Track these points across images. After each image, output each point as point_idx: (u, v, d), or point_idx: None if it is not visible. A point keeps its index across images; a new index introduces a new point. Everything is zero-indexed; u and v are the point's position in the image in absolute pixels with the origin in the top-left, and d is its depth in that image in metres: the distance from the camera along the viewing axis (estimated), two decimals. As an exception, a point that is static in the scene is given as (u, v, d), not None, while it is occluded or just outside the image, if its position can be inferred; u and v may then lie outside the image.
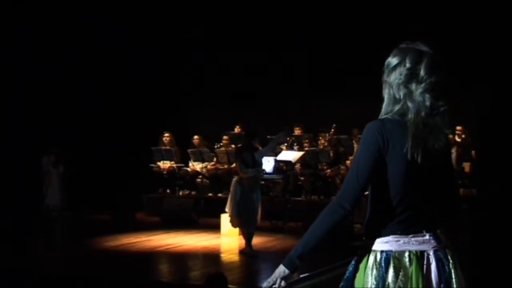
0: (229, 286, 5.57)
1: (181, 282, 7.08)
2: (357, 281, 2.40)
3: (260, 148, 11.83)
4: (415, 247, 2.29)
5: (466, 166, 11.36)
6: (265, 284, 2.45)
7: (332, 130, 12.31)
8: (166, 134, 12.67)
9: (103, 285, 6.89)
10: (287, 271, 2.44)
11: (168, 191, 12.75)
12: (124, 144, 12.97)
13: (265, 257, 8.75)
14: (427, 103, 2.32)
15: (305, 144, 12.24)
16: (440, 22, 12.03)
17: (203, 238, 9.74)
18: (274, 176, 11.61)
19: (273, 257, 8.71)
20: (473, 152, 11.46)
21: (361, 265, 2.41)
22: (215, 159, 12.73)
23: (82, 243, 9.26)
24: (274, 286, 2.42)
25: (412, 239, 2.30)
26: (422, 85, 2.34)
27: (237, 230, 10.02)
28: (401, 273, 2.26)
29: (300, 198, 11.71)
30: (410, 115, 2.32)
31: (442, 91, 2.37)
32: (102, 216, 11.53)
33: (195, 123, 14.12)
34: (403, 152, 2.27)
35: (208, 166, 12.67)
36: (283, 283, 2.42)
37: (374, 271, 2.32)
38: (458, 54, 11.91)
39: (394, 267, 2.27)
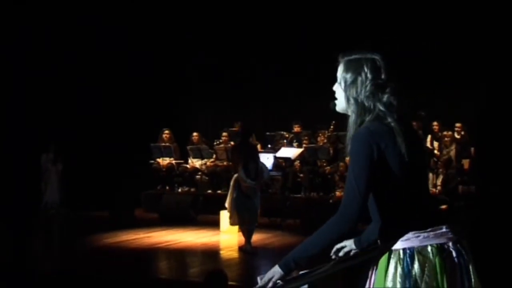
0: (229, 282, 5.58)
1: (180, 279, 7.08)
2: (377, 282, 2.41)
3: (258, 145, 11.88)
4: (435, 241, 2.33)
5: (465, 163, 11.37)
6: (259, 283, 2.50)
7: (331, 127, 12.32)
8: (165, 131, 12.67)
9: (102, 282, 6.90)
10: (281, 273, 2.47)
11: (167, 188, 12.76)
12: (122, 141, 12.97)
13: (264, 254, 8.76)
14: (395, 104, 2.42)
15: (304, 141, 12.24)
16: (440, 22, 12.05)
17: (202, 235, 9.75)
18: (273, 173, 11.62)
19: (272, 254, 8.72)
20: (472, 149, 11.47)
21: (380, 267, 2.42)
22: (214, 156, 12.73)
23: (81, 240, 9.26)
24: (268, 286, 2.47)
25: (431, 233, 2.34)
26: (387, 89, 2.44)
27: (236, 226, 10.04)
28: (426, 267, 2.30)
29: (299, 195, 11.72)
30: (388, 119, 2.39)
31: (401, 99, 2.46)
32: (101, 213, 11.53)
33: (194, 120, 14.13)
34: (396, 152, 2.33)
35: (207, 163, 12.67)
36: (278, 283, 2.45)
37: (399, 269, 2.34)
38: (457, 54, 11.97)
39: (419, 262, 2.31)
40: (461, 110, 11.97)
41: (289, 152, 11.83)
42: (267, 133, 13.03)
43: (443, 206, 8.62)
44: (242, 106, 14.27)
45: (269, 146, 12.53)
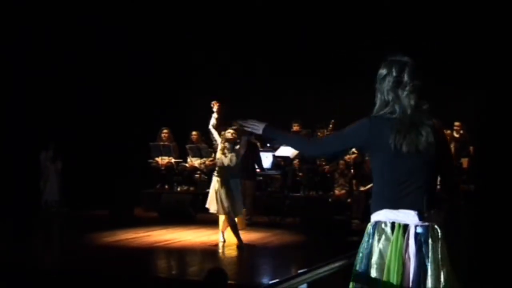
0: (228, 281, 5.59)
1: (180, 278, 7.09)
2: (360, 247, 2.89)
3: (258, 144, 11.89)
4: (400, 220, 2.77)
5: (464, 162, 11.38)
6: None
7: (330, 126, 12.32)
8: (164, 130, 12.68)
9: (101, 280, 6.90)
10: (260, 131, 3.14)
11: (166, 186, 12.76)
12: (122, 140, 12.98)
13: (263, 252, 8.77)
14: (412, 103, 2.86)
15: (303, 140, 12.24)
16: (440, 21, 12.07)
17: (201, 234, 9.75)
18: (272, 172, 11.63)
19: (271, 252, 8.74)
20: (471, 148, 11.48)
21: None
22: (213, 155, 12.72)
23: (80, 239, 9.26)
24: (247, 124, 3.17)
25: (399, 213, 2.77)
26: (407, 88, 2.88)
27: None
28: (383, 237, 2.77)
29: (298, 194, 11.73)
30: (397, 114, 2.85)
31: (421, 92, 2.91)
32: (100, 212, 11.53)
33: (193, 119, 14.13)
34: (389, 143, 2.78)
35: (206, 162, 12.67)
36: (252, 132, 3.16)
37: (366, 236, 2.86)
38: (457, 53, 11.98)
39: (379, 233, 2.79)
40: (460, 109, 11.97)
41: (288, 151, 11.84)
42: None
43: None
44: (241, 105, 14.26)
45: (268, 145, 12.53)
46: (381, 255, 2.76)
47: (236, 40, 13.72)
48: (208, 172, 12.65)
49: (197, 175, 12.80)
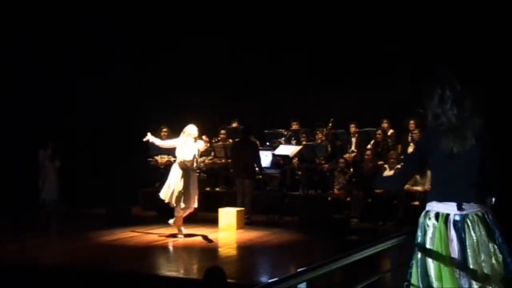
0: (227, 280, 5.57)
1: (178, 276, 7.08)
2: (418, 230, 3.50)
3: (258, 143, 11.88)
4: (443, 210, 3.40)
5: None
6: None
7: (329, 124, 12.31)
8: (164, 129, 12.65)
9: (99, 279, 6.89)
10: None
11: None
12: (121, 138, 12.97)
13: (262, 251, 8.77)
14: (455, 112, 3.41)
15: (302, 139, 12.24)
16: (440, 20, 12.06)
17: (200, 233, 9.74)
18: (271, 171, 11.62)
19: (270, 251, 8.73)
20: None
21: None
22: (212, 154, 12.72)
23: (78, 237, 9.25)
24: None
25: (443, 205, 3.40)
26: (449, 102, 3.43)
27: (234, 224, 10.05)
28: (431, 224, 3.42)
29: (297, 193, 11.71)
30: (445, 125, 3.42)
31: (465, 103, 3.43)
32: (99, 211, 11.52)
33: (192, 118, 14.10)
34: (440, 147, 3.38)
35: (205, 161, 12.65)
36: None
37: (421, 219, 3.50)
38: (457, 52, 11.96)
39: (428, 220, 3.44)
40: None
41: (287, 149, 11.83)
42: (266, 130, 13.02)
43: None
44: (241, 104, 14.26)
45: (267, 143, 12.52)
46: (431, 238, 3.40)
47: (236, 40, 13.70)
48: (207, 171, 12.64)
49: (196, 174, 12.76)
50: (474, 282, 3.25)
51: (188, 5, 13.63)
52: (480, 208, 3.35)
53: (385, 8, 12.51)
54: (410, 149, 11.26)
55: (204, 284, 5.43)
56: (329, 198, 11.13)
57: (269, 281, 2.61)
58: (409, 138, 11.48)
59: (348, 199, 10.92)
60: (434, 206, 3.44)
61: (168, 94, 13.57)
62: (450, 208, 3.36)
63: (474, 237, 3.31)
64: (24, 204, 11.16)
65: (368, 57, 12.85)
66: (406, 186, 10.63)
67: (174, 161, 12.71)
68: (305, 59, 13.24)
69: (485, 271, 3.25)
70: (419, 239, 3.45)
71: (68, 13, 12.80)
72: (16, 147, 12.36)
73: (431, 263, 3.36)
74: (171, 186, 9.15)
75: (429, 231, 3.40)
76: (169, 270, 7.43)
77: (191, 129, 9.36)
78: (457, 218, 3.34)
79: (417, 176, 10.54)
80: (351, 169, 11.41)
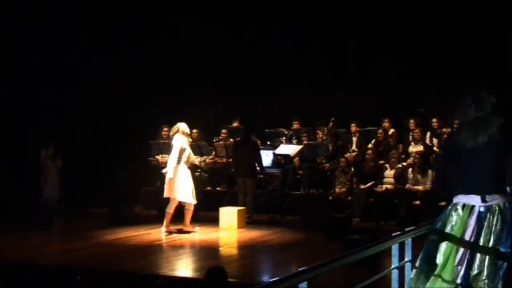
0: (229, 279, 5.59)
1: (180, 276, 7.09)
2: (441, 216, 3.88)
3: (258, 142, 11.89)
4: (468, 202, 3.75)
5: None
6: None
7: (330, 123, 12.31)
8: (165, 128, 12.65)
9: (101, 278, 6.90)
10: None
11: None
12: (122, 137, 12.98)
13: (263, 250, 8.78)
14: (478, 114, 3.84)
15: (303, 138, 12.23)
16: (440, 20, 12.06)
17: (201, 232, 9.76)
18: (272, 170, 11.62)
19: (272, 251, 8.74)
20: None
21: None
22: (213, 153, 12.72)
23: (80, 236, 9.26)
24: None
25: (469, 198, 3.76)
26: (471, 104, 3.89)
27: (235, 224, 10.06)
28: (456, 214, 3.78)
29: (298, 192, 11.71)
30: (467, 125, 3.87)
31: (484, 105, 3.87)
32: (100, 210, 11.52)
33: (193, 117, 14.12)
34: (463, 144, 3.78)
35: (207, 160, 12.66)
36: None
37: (447, 210, 3.85)
38: (457, 51, 11.97)
39: (454, 211, 3.80)
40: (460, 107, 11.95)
41: (288, 149, 11.83)
42: (267, 130, 13.03)
43: (443, 203, 8.63)
44: (241, 103, 14.27)
45: (268, 143, 12.52)
46: (452, 224, 3.77)
47: (236, 40, 13.71)
48: (208, 170, 12.65)
49: (197, 173, 12.76)
50: (472, 278, 3.61)
51: (187, 5, 13.62)
52: (501, 198, 3.72)
53: (385, 8, 12.51)
54: (411, 149, 11.29)
55: (206, 284, 5.44)
56: (330, 198, 11.13)
57: (270, 280, 2.62)
58: (410, 138, 11.48)
59: (350, 198, 10.92)
60: (460, 199, 3.80)
61: (168, 94, 13.58)
62: (475, 200, 3.73)
63: (492, 225, 3.69)
64: (26, 203, 11.16)
65: (368, 57, 12.86)
66: (407, 186, 10.67)
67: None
68: (306, 58, 13.24)
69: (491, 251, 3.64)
70: (438, 225, 3.81)
71: (68, 12, 12.81)
72: (18, 147, 12.38)
73: (442, 249, 3.73)
74: (192, 186, 9.58)
75: (453, 219, 3.77)
76: (171, 269, 7.44)
77: (185, 127, 9.58)
78: (482, 209, 3.72)
79: (418, 176, 10.55)
80: (352, 169, 11.41)
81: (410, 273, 4.04)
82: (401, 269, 3.90)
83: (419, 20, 12.23)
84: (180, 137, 9.60)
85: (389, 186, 10.66)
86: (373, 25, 12.65)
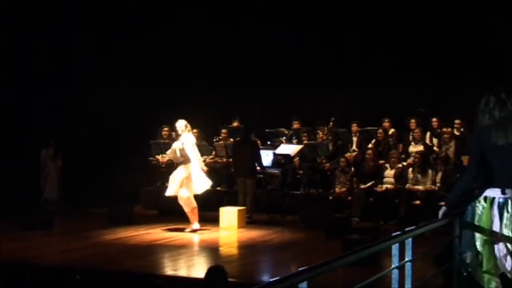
0: (229, 279, 5.59)
1: (180, 276, 7.09)
2: (467, 213, 4.33)
3: (259, 142, 11.89)
4: (491, 195, 4.20)
5: (465, 159, 11.35)
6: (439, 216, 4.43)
7: (331, 123, 12.31)
8: (165, 128, 12.66)
9: (101, 278, 6.90)
10: (445, 208, 4.43)
11: (166, 184, 12.70)
12: (122, 137, 12.97)
13: (263, 249, 8.78)
14: (501, 114, 4.20)
15: (303, 138, 12.24)
16: (440, 19, 12.06)
17: (201, 232, 9.75)
18: (272, 170, 11.62)
19: (271, 250, 8.74)
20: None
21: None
22: (213, 153, 12.72)
23: (80, 236, 9.26)
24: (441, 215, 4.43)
25: (491, 191, 4.19)
26: (493, 103, 4.24)
27: (235, 223, 10.06)
28: (481, 206, 4.23)
29: (298, 192, 11.71)
30: (489, 122, 4.21)
31: (507, 105, 4.22)
32: (100, 210, 11.53)
33: (193, 117, 14.12)
34: (487, 141, 4.13)
35: (207, 160, 12.65)
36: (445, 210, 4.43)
37: (474, 204, 4.28)
38: (457, 51, 11.98)
39: (479, 202, 4.22)
40: (461, 106, 11.96)
41: (289, 148, 11.83)
42: (267, 130, 13.04)
43: (442, 203, 8.62)
44: (241, 103, 14.28)
45: (268, 142, 12.52)
46: (480, 216, 4.21)
47: (236, 40, 13.71)
48: (208, 170, 12.63)
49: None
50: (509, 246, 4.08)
51: (187, 5, 13.62)
52: None
53: (384, 8, 12.51)
54: (411, 149, 11.29)
55: (206, 283, 5.45)
56: (330, 197, 11.13)
57: (270, 280, 2.62)
58: (410, 137, 11.48)
59: (349, 198, 10.93)
60: (485, 192, 4.22)
61: (168, 94, 13.59)
62: (495, 193, 4.17)
63: (509, 215, 4.13)
64: (26, 203, 11.16)
65: (368, 56, 12.86)
66: (407, 185, 10.67)
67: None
68: (306, 58, 13.25)
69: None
70: (468, 218, 4.27)
71: (68, 12, 12.81)
72: (18, 146, 12.37)
73: (477, 236, 4.19)
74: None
75: (479, 210, 4.22)
76: (171, 269, 7.45)
77: (185, 124, 9.62)
78: (501, 200, 4.15)
79: (419, 175, 10.55)
80: (352, 168, 11.42)
81: (410, 273, 4.04)
82: (401, 269, 3.90)
83: (419, 20, 12.24)
84: (189, 135, 9.62)
85: (389, 186, 10.67)
86: (373, 25, 12.66)
